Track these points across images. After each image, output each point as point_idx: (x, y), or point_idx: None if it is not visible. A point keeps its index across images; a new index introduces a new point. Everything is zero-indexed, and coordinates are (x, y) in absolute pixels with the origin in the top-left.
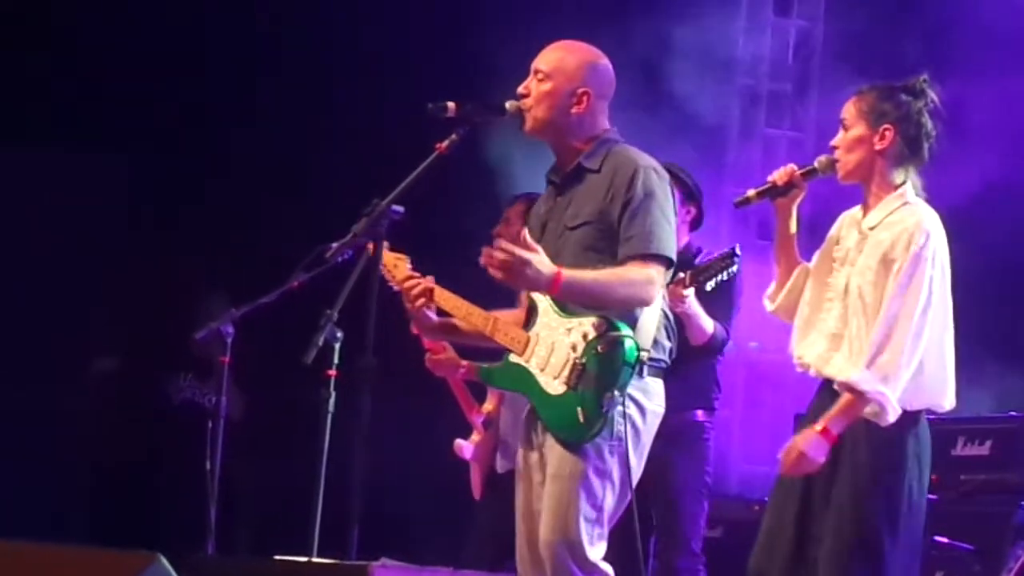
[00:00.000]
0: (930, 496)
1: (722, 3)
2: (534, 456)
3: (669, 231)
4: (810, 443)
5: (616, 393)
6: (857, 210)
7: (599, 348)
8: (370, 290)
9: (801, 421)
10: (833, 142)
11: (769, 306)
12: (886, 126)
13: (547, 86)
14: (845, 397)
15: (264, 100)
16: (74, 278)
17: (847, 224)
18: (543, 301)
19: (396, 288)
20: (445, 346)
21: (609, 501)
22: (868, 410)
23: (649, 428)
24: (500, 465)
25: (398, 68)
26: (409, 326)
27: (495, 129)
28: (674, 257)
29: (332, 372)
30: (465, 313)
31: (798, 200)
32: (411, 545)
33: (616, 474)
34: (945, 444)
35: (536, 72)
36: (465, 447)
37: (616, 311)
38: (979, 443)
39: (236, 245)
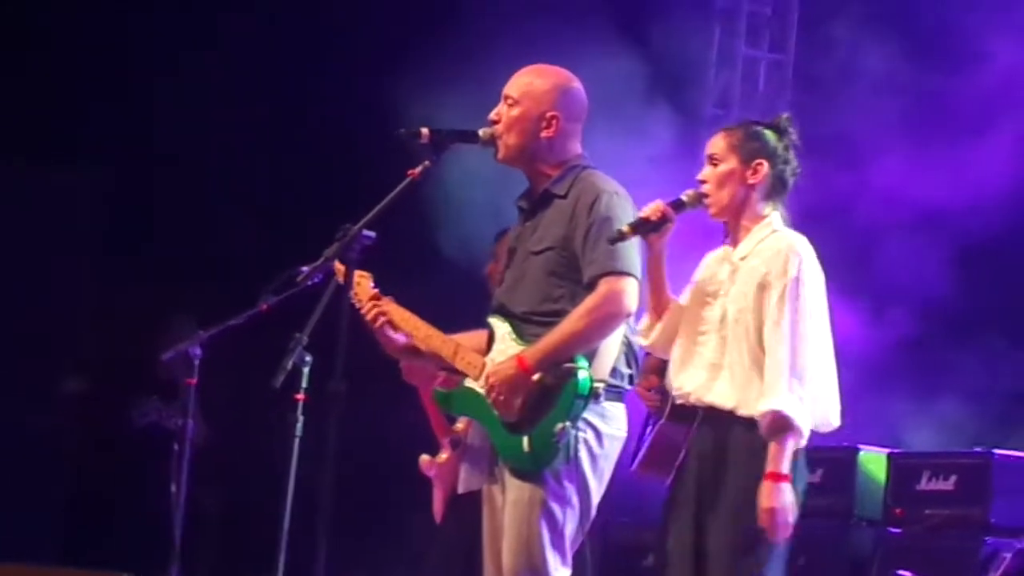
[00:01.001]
0: (894, 530)
1: (694, 34)
2: (495, 482)
3: (632, 250)
4: (772, 496)
5: (568, 424)
6: (722, 249)
7: (552, 379)
8: (341, 314)
9: (691, 452)
10: (701, 176)
11: (643, 342)
12: (759, 161)
13: (516, 111)
14: (774, 432)
15: (237, 121)
16: (41, 298)
17: (715, 261)
18: (501, 328)
19: (358, 306)
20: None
21: (570, 527)
22: (794, 432)
23: (608, 452)
24: (462, 484)
25: (371, 91)
26: (378, 349)
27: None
28: (639, 274)
29: (300, 396)
30: (424, 335)
31: (668, 235)
32: (378, 568)
33: (575, 499)
34: (910, 478)
35: (506, 98)
36: (430, 465)
37: (598, 340)
38: (944, 478)
39: (205, 266)
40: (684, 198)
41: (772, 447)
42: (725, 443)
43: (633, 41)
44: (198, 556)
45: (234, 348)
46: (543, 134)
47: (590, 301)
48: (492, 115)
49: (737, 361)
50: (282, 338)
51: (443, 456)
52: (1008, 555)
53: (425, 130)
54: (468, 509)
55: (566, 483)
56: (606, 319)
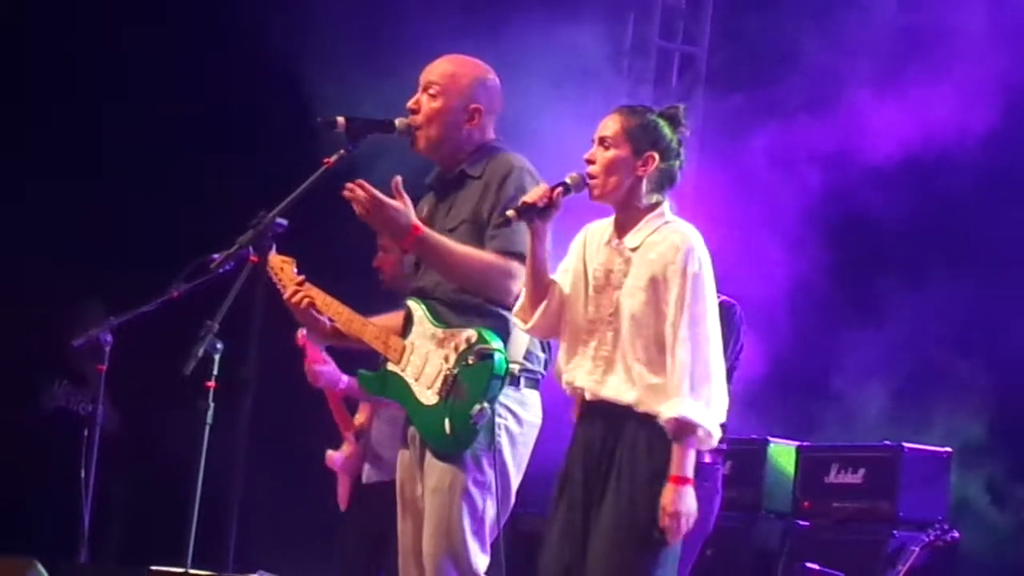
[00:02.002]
0: (802, 522)
1: (608, 25)
2: (413, 469)
3: (526, 236)
4: (677, 500)
5: (486, 405)
6: (605, 229)
7: (469, 360)
8: (253, 302)
9: (580, 447)
10: (588, 156)
11: (523, 325)
12: (650, 153)
13: (439, 103)
14: (680, 437)
15: (150, 105)
16: None
17: (599, 244)
18: (419, 309)
19: (282, 292)
20: (327, 359)
21: (490, 512)
22: (698, 437)
23: (527, 439)
24: (366, 476)
25: (290, 78)
26: (290, 338)
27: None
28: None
29: (211, 383)
30: (346, 319)
31: (553, 219)
32: (286, 557)
33: (496, 485)
34: (819, 471)
35: (427, 88)
36: (336, 458)
37: (475, 298)
38: (852, 471)
39: (116, 252)
40: (568, 181)
41: (676, 450)
42: (617, 438)
43: (546, 30)
44: (106, 542)
45: (145, 335)
46: (465, 127)
47: (496, 262)
48: (411, 104)
49: (631, 356)
50: (193, 325)
51: (347, 449)
52: (915, 548)
53: (341, 119)
54: (374, 499)
55: (487, 469)
56: (492, 287)
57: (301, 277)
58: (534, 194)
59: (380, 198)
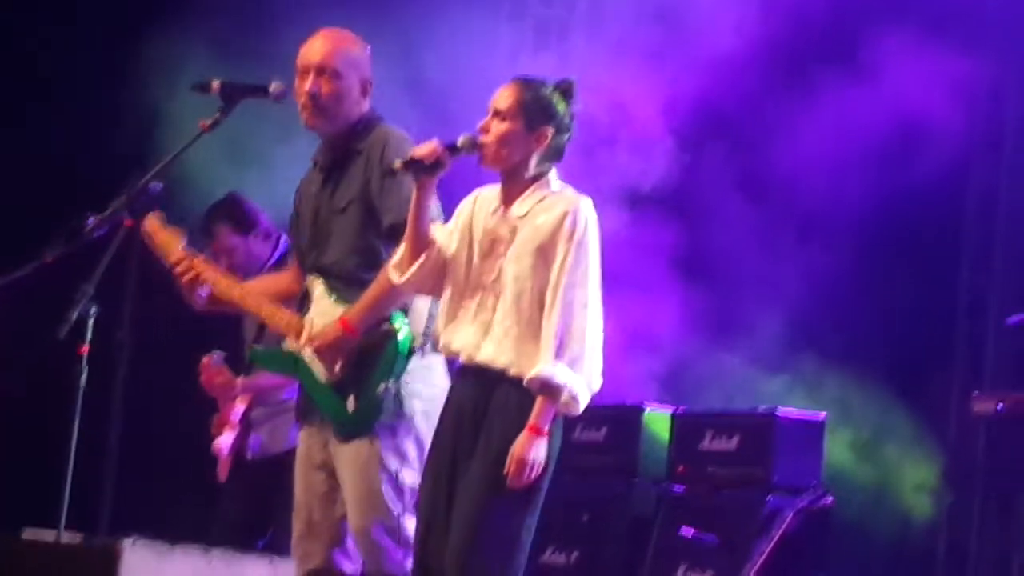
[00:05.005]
0: (677, 488)
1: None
2: (316, 441)
3: None
4: (528, 447)
5: (391, 383)
6: (495, 195)
7: (373, 339)
8: (127, 266)
9: (452, 411)
10: (482, 125)
11: (396, 278)
12: (544, 128)
13: (340, 83)
14: (544, 394)
15: (27, 66)
16: None
17: (487, 211)
18: (318, 287)
19: (165, 261)
20: (222, 370)
21: (409, 478)
22: (563, 400)
23: (436, 404)
24: (250, 453)
25: (159, 43)
26: (164, 301)
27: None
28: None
29: (85, 348)
30: (239, 295)
31: (439, 175)
32: (161, 522)
33: (411, 451)
34: (693, 437)
35: (322, 70)
36: (224, 445)
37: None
38: (727, 437)
39: None
40: (460, 143)
41: (539, 402)
42: (489, 400)
43: None
44: None
45: (18, 299)
46: (359, 103)
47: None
48: (308, 87)
49: (511, 321)
50: (67, 289)
51: (228, 434)
52: (789, 514)
53: (216, 82)
54: (255, 471)
55: (401, 436)
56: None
57: (185, 252)
58: (423, 149)
59: (316, 345)
